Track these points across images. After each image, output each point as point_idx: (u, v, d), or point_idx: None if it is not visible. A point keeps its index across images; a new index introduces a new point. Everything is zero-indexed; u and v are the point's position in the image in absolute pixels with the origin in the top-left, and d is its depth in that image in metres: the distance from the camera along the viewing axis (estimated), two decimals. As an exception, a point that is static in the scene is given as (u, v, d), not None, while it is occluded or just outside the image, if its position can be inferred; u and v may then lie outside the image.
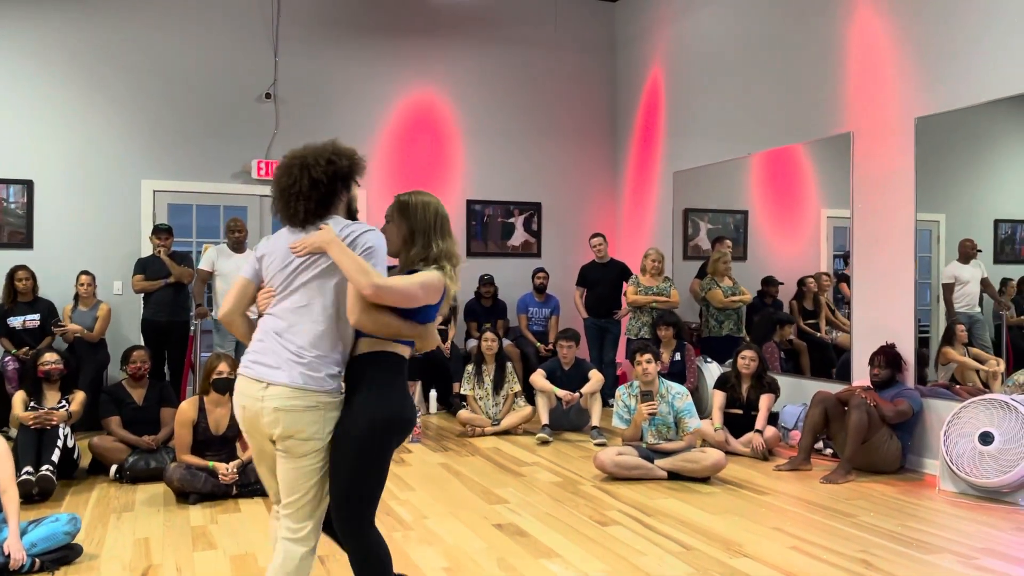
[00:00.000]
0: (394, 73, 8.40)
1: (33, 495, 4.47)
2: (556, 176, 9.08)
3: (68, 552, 3.50)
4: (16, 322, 6.54)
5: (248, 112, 7.90)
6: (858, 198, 5.96)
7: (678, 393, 5.16)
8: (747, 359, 5.86)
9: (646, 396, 5.09)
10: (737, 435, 5.82)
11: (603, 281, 7.99)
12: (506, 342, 8.16)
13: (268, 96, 7.93)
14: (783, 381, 6.35)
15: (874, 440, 5.11)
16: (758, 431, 5.68)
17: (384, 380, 2.38)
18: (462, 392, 6.77)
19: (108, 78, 7.46)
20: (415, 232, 2.56)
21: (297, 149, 2.46)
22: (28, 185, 7.23)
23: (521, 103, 8.89)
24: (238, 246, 6.97)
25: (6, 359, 6.40)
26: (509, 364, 6.84)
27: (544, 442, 6.21)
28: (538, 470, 5.35)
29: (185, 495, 4.52)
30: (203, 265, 6.88)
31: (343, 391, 2.42)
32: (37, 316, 6.62)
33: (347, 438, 2.33)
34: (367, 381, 2.37)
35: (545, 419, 6.38)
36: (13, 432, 5.34)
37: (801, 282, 6.66)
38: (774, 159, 6.92)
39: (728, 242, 7.62)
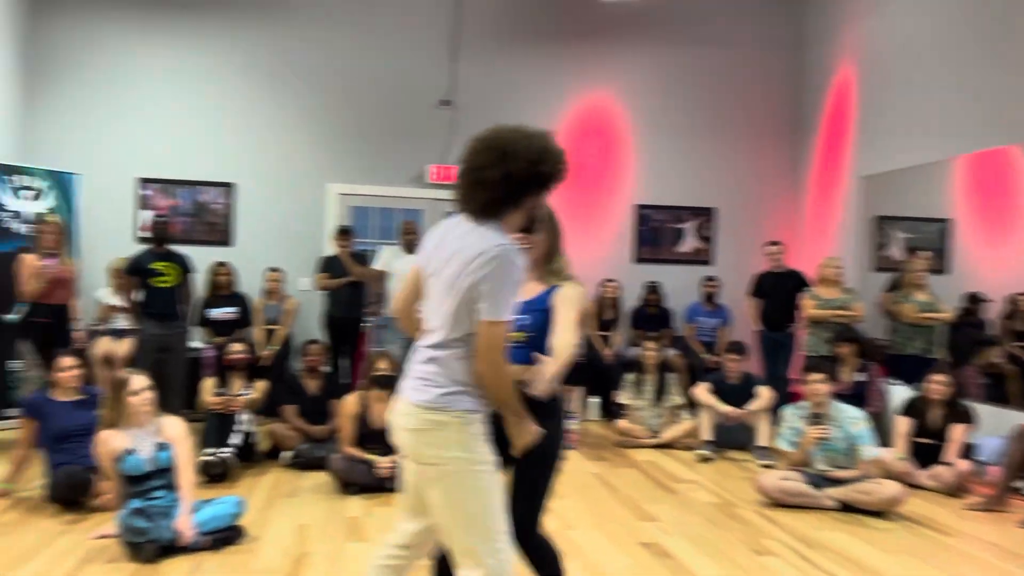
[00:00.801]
0: (567, 77, 8.39)
1: (214, 475, 4.83)
2: (732, 180, 8.71)
3: (232, 533, 3.74)
4: (215, 314, 7.13)
5: (426, 118, 8.17)
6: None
7: (853, 417, 4.76)
8: (938, 383, 5.32)
9: (815, 419, 4.74)
10: (924, 467, 5.30)
11: (779, 291, 7.55)
12: (671, 352, 7.94)
13: (445, 102, 8.16)
14: (983, 410, 5.70)
15: (1088, 483, 4.48)
16: (947, 464, 5.14)
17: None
18: (622, 401, 6.64)
19: (300, 89, 7.98)
20: (554, 247, 2.57)
21: (505, 129, 2.18)
22: (230, 188, 7.88)
23: (696, 104, 8.60)
24: (410, 248, 7.23)
25: (204, 348, 6.99)
26: (672, 375, 6.63)
27: (705, 459, 5.96)
28: (695, 488, 5.13)
29: (346, 485, 4.71)
30: (378, 265, 7.19)
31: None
32: (234, 309, 7.18)
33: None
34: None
35: (707, 435, 6.11)
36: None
37: (1013, 300, 5.97)
38: (983, 162, 6.24)
39: (927, 253, 6.97)
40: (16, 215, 6.65)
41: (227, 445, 5.00)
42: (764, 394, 6.17)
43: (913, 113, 6.98)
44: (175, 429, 3.88)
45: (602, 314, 7.85)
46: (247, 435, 5.26)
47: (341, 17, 8.04)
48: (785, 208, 8.77)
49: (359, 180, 8.11)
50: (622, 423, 6.48)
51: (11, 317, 6.15)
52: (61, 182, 7.01)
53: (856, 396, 6.54)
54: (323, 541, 3.85)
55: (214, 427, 5.11)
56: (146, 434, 3.82)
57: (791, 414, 4.96)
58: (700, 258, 8.69)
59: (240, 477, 5.00)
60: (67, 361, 4.48)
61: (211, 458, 4.83)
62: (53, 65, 7.59)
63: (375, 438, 4.88)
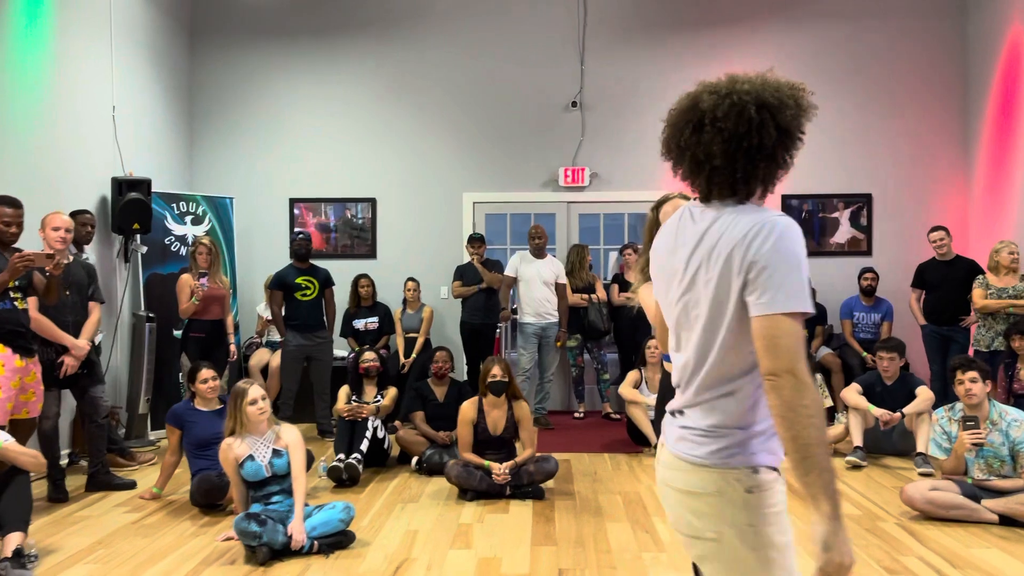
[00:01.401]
0: (698, 67, 8.03)
1: (343, 480, 5.02)
2: (890, 164, 8.01)
3: (343, 538, 3.86)
4: (358, 324, 7.43)
5: (555, 121, 8.13)
6: None
7: (1015, 420, 4.21)
8: None
9: (969, 422, 4.23)
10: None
11: (946, 282, 6.86)
12: (825, 351, 7.41)
13: (574, 104, 8.09)
14: None
15: None
16: None
17: None
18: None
19: (434, 102, 8.17)
20: None
21: (724, 82, 1.61)
22: (372, 203, 8.20)
23: (846, 83, 7.99)
24: (539, 252, 7.20)
25: (350, 356, 7.30)
26: (818, 375, 6.17)
27: (855, 466, 5.49)
28: (867, 502, 4.73)
29: (464, 491, 4.74)
30: (508, 271, 7.22)
31: None
32: (376, 319, 7.46)
33: None
34: None
35: (858, 440, 5.63)
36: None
37: None
38: None
39: None
40: (180, 239, 7.26)
41: (355, 451, 5.17)
42: (924, 395, 5.60)
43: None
44: (291, 436, 4.06)
45: None
46: (380, 441, 5.42)
47: (469, 29, 8.16)
48: (954, 191, 7.96)
49: (493, 187, 8.19)
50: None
51: (177, 333, 6.71)
52: (218, 206, 7.57)
53: (1036, 396, 5.85)
54: (428, 547, 3.88)
55: (344, 433, 5.31)
56: (264, 441, 4.02)
57: (943, 416, 4.46)
58: (857, 249, 8.06)
59: (368, 482, 5.16)
60: (206, 373, 4.80)
61: (337, 463, 5.01)
62: (209, 99, 8.23)
63: (492, 444, 4.88)
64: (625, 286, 7.44)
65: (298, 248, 6.76)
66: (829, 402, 6.07)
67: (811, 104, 1.62)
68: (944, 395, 6.87)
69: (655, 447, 5.92)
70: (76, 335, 4.90)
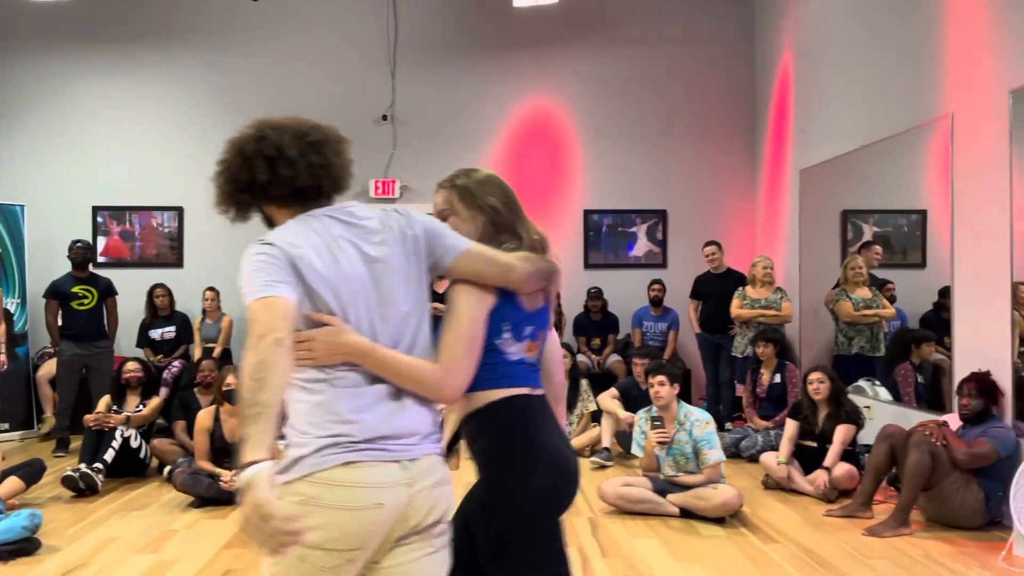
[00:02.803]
0: (508, 85, 8.35)
1: (81, 488, 5.00)
2: (685, 181, 8.47)
3: (26, 544, 3.87)
4: (155, 334, 7.39)
5: (367, 134, 8.26)
6: (957, 187, 4.91)
7: (698, 420, 4.56)
8: (815, 382, 5.05)
9: (656, 422, 4.56)
10: (808, 471, 5.03)
11: (718, 293, 7.31)
12: (614, 358, 7.77)
13: (385, 118, 8.25)
14: (910, 413, 5.30)
15: (943, 487, 4.16)
16: (826, 468, 4.86)
17: None
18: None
19: (245, 110, 8.16)
20: (498, 225, 2.01)
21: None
22: (179, 211, 8.15)
23: (644, 104, 8.41)
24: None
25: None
26: (584, 381, 6.49)
27: (600, 467, 5.79)
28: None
29: (196, 499, 4.80)
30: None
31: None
32: (173, 328, 7.42)
33: None
34: None
35: (606, 441, 5.95)
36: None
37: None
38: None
39: (877, 248, 6.62)
40: (-41, 247, 7.06)
41: (97, 460, 5.16)
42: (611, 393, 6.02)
43: (837, 101, 6.67)
44: (-15, 445, 4.05)
45: None
46: (135, 450, 5.42)
47: (280, 39, 8.22)
48: (740, 207, 8.48)
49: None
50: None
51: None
52: (5, 214, 7.38)
53: (775, 399, 6.31)
54: (115, 553, 3.94)
55: (90, 443, 5.29)
56: (-46, 451, 4.01)
57: (641, 417, 4.79)
58: (653, 262, 8.48)
59: (112, 491, 5.15)
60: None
61: (71, 473, 5.00)
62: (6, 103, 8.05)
63: (230, 452, 4.96)
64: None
65: (75, 256, 6.68)
66: (593, 406, 6.37)
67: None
68: (716, 399, 7.33)
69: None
70: None
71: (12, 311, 7.03)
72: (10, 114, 8.05)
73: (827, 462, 4.89)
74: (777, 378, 6.30)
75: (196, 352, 7.39)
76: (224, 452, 4.96)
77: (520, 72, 8.35)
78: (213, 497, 4.77)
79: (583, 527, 4.31)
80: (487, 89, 8.32)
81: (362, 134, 8.25)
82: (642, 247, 8.51)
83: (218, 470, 4.86)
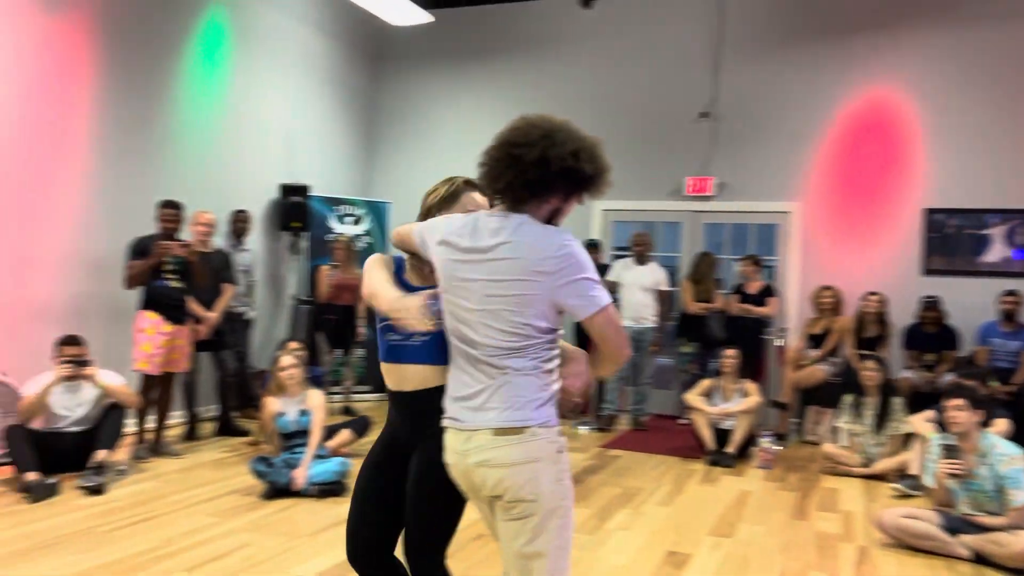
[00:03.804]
0: (839, 74, 7.78)
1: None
2: (1058, 175, 7.16)
3: (336, 486, 4.62)
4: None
5: (683, 131, 8.27)
6: None
7: (1005, 455, 3.90)
8: None
9: (949, 451, 4.00)
10: None
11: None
12: (949, 376, 6.85)
13: (704, 115, 8.19)
14: None
15: None
16: None
17: None
18: (836, 424, 6.06)
19: (568, 112, 8.68)
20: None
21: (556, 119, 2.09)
22: (513, 209, 8.91)
23: (1006, 89, 7.28)
24: (640, 259, 7.47)
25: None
26: (897, 400, 5.86)
27: (903, 495, 5.21)
28: (829, 518, 4.62)
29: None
30: (610, 276, 7.56)
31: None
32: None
33: None
34: None
35: (916, 468, 5.32)
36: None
37: None
38: None
39: None
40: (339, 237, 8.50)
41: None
42: (1000, 424, 5.17)
43: None
44: (316, 400, 4.91)
45: (863, 331, 7.12)
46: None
47: (603, 44, 8.58)
48: None
49: (621, 196, 8.53)
50: (828, 447, 5.94)
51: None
52: (377, 210, 8.73)
53: None
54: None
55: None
56: (295, 402, 4.91)
57: (935, 442, 4.22)
58: (1010, 270, 7.31)
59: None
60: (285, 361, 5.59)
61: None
62: (387, 117, 9.46)
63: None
64: (746, 297, 7.46)
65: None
66: (907, 428, 5.74)
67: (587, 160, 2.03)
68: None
69: (712, 453, 6.03)
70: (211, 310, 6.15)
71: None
72: (388, 123, 9.46)
73: None
74: None
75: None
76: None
77: (853, 59, 7.72)
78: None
79: (847, 555, 3.97)
80: (815, 78, 7.83)
81: (678, 131, 8.29)
82: (998, 252, 7.38)
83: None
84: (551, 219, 1.99)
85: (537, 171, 1.93)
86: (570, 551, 1.95)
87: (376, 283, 2.13)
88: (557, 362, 2.00)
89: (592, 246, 7.80)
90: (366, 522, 2.20)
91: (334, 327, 7.44)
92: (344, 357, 7.58)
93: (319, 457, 4.75)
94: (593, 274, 1.92)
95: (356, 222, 8.63)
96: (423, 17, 8.01)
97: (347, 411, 7.25)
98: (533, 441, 1.90)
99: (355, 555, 2.22)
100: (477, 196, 2.21)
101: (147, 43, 6.47)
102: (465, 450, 1.94)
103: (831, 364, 7.13)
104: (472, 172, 2.15)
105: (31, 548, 3.66)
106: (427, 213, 2.23)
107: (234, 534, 3.97)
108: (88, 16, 5.97)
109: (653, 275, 7.44)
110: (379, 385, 8.11)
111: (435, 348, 2.09)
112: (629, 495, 4.97)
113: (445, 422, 2.01)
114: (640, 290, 7.37)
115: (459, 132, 9.12)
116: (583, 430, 7.22)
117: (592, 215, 8.61)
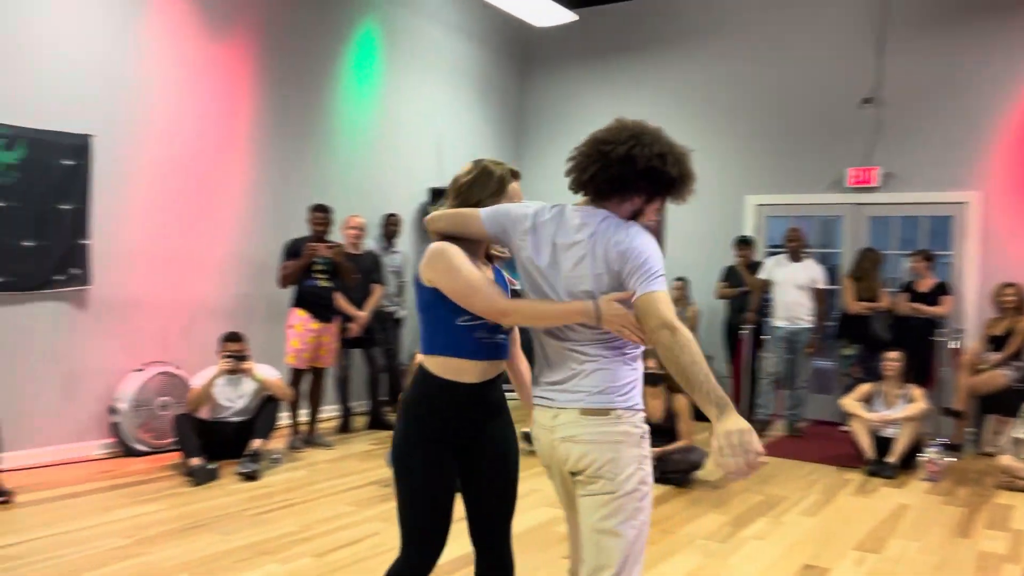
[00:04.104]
0: (1019, 50, 7.03)
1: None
2: None
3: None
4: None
5: (843, 119, 7.78)
6: None
7: None
8: None
9: None
10: None
11: None
12: None
13: (868, 101, 7.65)
14: None
15: None
16: None
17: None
18: (1018, 435, 5.46)
19: (717, 106, 8.40)
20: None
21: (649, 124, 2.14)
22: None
23: None
24: (795, 255, 7.08)
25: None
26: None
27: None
28: (1016, 540, 4.16)
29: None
30: (761, 274, 7.22)
31: None
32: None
33: None
34: None
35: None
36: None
37: None
38: None
39: None
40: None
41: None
42: None
43: None
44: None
45: (996, 327, 6.43)
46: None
47: (753, 28, 8.21)
48: None
49: (775, 189, 8.15)
50: (1005, 459, 5.36)
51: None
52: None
53: None
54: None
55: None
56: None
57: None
58: None
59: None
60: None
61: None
62: (536, 119, 9.54)
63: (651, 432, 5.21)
64: (916, 296, 6.92)
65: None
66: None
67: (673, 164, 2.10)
68: None
69: (871, 462, 5.63)
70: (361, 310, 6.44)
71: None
72: (535, 124, 9.55)
73: None
74: None
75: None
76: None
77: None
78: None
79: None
80: (992, 54, 7.12)
81: (837, 119, 7.81)
82: None
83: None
84: (632, 219, 2.07)
85: (621, 167, 2.01)
86: (645, 540, 2.00)
87: (476, 282, 2.11)
88: (641, 348, 2.08)
89: (744, 243, 7.50)
90: (449, 519, 2.28)
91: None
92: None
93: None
94: (658, 264, 1.97)
95: (504, 223, 8.74)
96: (567, 16, 8.01)
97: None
98: (617, 424, 1.97)
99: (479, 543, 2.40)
100: (518, 187, 2.31)
101: (303, 58, 6.89)
102: (552, 425, 2.04)
103: (1014, 368, 6.44)
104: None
105: (186, 527, 3.97)
106: (458, 194, 2.27)
107: (367, 522, 4.13)
108: (250, 39, 6.43)
109: (808, 272, 7.03)
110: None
111: (510, 343, 2.30)
112: (771, 503, 4.72)
113: (536, 400, 2.13)
114: (794, 288, 6.99)
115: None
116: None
117: (745, 210, 8.28)
